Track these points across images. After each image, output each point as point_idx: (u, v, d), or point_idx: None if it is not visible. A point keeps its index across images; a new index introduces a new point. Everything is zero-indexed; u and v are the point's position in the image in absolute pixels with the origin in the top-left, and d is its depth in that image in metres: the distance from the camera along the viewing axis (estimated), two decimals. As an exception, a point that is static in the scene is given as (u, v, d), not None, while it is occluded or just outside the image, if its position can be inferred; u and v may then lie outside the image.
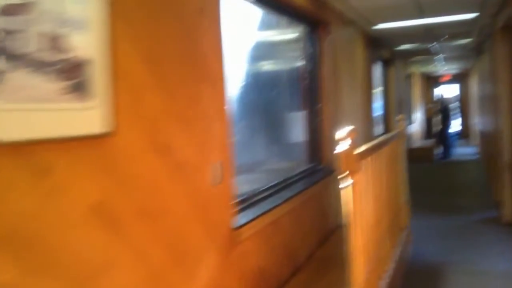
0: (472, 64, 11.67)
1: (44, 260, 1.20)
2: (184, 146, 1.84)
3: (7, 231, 1.12)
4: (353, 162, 1.92)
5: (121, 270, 1.46)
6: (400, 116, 4.07)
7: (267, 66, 3.38)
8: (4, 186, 1.11)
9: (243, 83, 2.85)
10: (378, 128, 7.25)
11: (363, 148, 2.24)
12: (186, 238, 1.86)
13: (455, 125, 14.03)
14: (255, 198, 2.83)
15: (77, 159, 1.30)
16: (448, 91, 15.65)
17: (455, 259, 4.02)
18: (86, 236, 1.33)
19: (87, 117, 1.32)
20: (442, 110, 11.69)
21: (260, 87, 3.14)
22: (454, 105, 15.31)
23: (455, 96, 16.75)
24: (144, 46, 1.60)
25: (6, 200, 1.12)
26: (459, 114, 16.08)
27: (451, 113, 12.22)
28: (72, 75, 1.26)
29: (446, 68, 13.01)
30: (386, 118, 8.20)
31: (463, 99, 16.40)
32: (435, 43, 7.42)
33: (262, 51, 3.26)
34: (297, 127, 3.90)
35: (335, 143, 1.93)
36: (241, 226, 2.31)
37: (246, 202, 2.69)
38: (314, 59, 4.11)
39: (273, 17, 3.37)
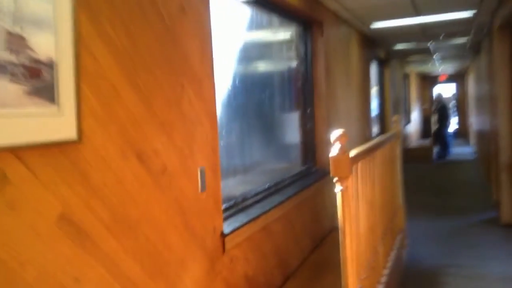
0: (469, 63, 11.61)
1: (3, 278, 1.10)
2: (164, 152, 1.74)
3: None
4: (343, 167, 1.82)
5: (89, 285, 1.35)
6: (396, 117, 3.97)
7: (259, 67, 3.28)
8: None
9: (234, 84, 2.75)
10: (374, 129, 7.17)
11: (355, 152, 2.14)
12: (168, 248, 1.77)
13: (452, 125, 13.98)
14: (245, 203, 2.73)
15: (40, 168, 1.20)
16: (445, 90, 15.60)
17: (453, 262, 3.95)
18: (50, 250, 1.22)
19: (51, 123, 1.22)
20: (439, 110, 11.60)
21: (252, 88, 3.04)
22: (451, 104, 15.28)
23: (452, 96, 16.73)
24: (116, 46, 1.49)
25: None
26: (456, 114, 16.07)
27: (449, 112, 12.15)
28: (33, 77, 1.16)
29: (442, 67, 12.93)
30: (382, 118, 8.11)
31: (460, 98, 16.37)
32: (431, 42, 7.34)
33: (254, 51, 3.16)
34: (290, 129, 3.82)
35: (329, 144, 1.85)
36: (228, 233, 2.22)
37: (235, 208, 2.60)
38: (307, 60, 4.03)
39: (265, 17, 3.27)
